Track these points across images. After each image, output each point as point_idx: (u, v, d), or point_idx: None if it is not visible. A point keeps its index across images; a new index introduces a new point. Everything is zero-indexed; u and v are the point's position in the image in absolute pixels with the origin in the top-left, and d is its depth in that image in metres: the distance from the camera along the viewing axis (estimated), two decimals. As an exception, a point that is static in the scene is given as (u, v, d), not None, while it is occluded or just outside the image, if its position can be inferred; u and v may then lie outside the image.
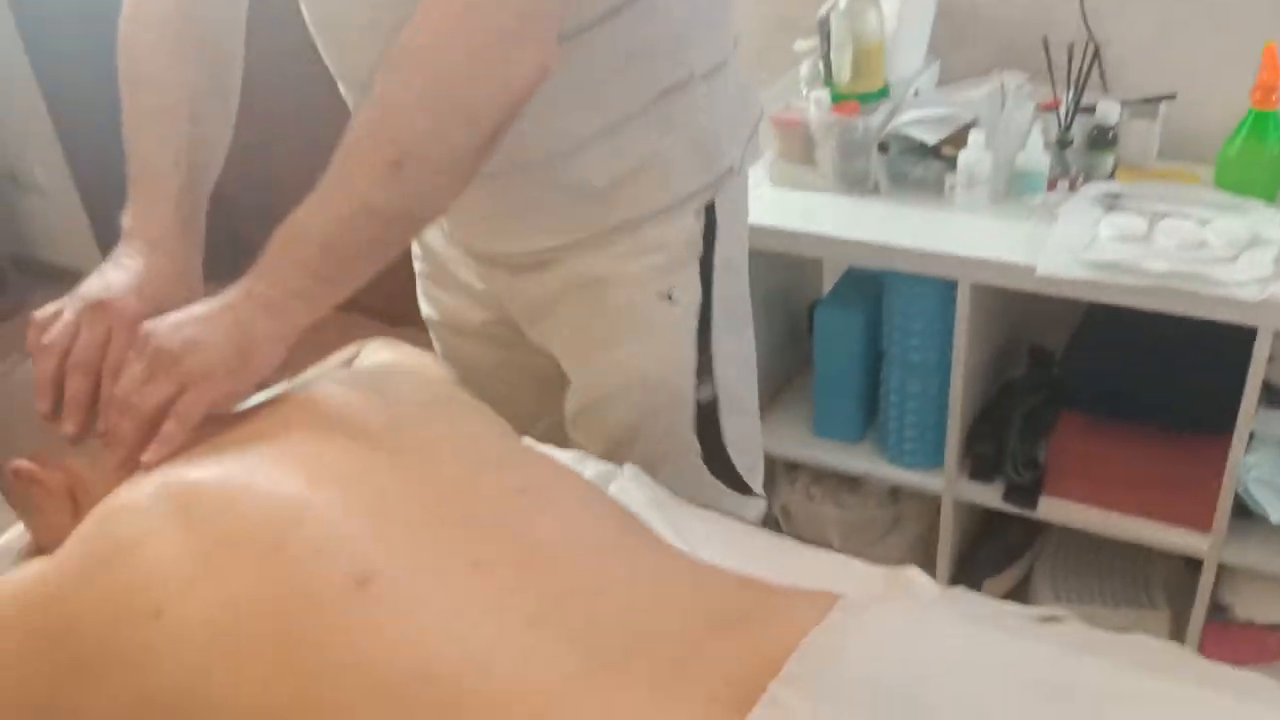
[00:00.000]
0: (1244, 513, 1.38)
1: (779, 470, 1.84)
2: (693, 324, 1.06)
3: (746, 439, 1.16)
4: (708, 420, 1.11)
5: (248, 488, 0.75)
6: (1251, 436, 1.32)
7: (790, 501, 1.80)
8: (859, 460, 1.68)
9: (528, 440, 0.95)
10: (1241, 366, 1.43)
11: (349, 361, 1.09)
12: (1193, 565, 1.68)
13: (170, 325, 0.81)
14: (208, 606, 0.68)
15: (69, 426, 0.84)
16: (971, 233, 1.47)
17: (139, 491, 0.76)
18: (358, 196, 0.79)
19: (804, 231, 1.54)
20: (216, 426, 0.85)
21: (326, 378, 0.93)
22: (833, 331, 1.64)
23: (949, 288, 1.47)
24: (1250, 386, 1.28)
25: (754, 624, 0.69)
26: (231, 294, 0.81)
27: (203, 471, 0.76)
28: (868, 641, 0.66)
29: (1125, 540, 1.53)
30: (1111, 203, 1.48)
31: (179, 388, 0.80)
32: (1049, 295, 1.39)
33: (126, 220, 0.91)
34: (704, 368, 1.08)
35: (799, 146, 1.64)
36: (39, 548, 0.88)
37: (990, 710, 0.61)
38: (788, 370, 1.86)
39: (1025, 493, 1.52)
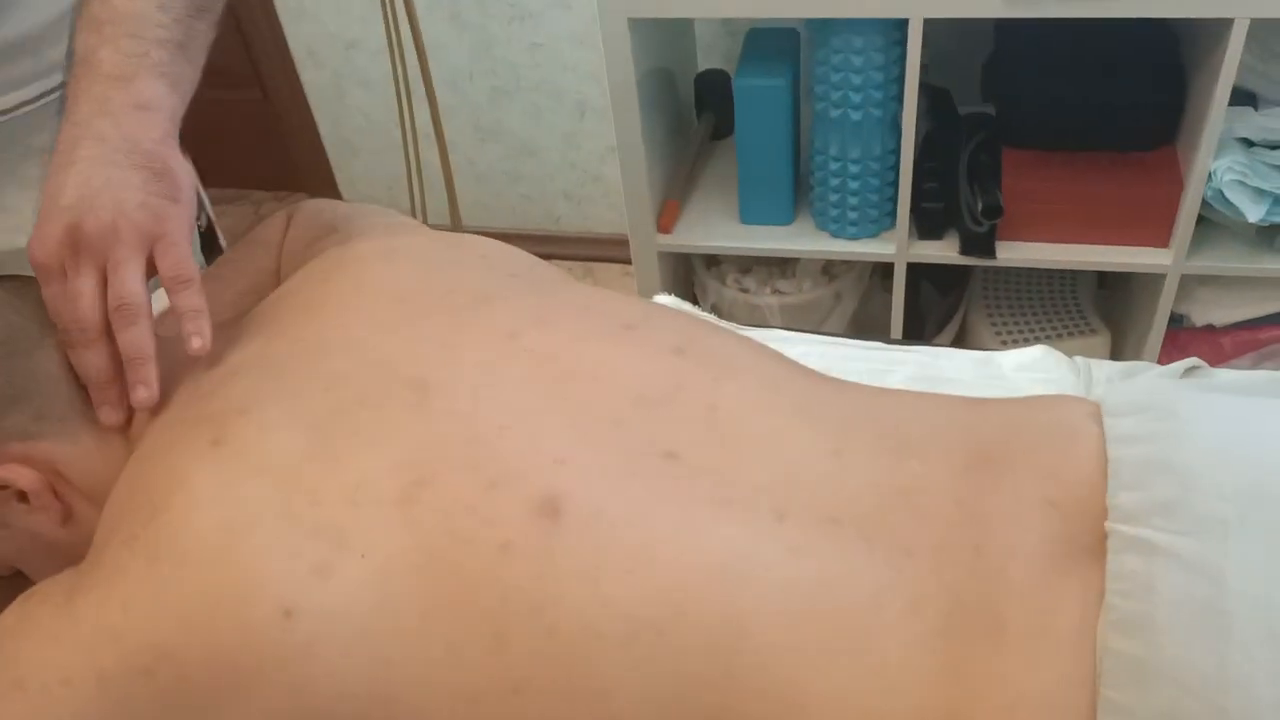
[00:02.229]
0: (1200, 221, 1.36)
1: (698, 266, 1.70)
2: None
3: None
4: None
5: (339, 421, 0.54)
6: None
7: (721, 298, 1.66)
8: (795, 240, 1.55)
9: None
10: (1177, 71, 1.39)
11: (278, 239, 0.83)
12: (1112, 282, 1.70)
13: (66, 211, 0.60)
14: (349, 586, 0.50)
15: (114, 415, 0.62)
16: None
17: (183, 458, 0.53)
18: None
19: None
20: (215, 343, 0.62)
21: (327, 252, 0.69)
22: (755, 104, 1.46)
23: (893, 27, 1.32)
24: (1221, 87, 1.23)
25: (1024, 456, 0.57)
26: (77, 123, 0.62)
27: (265, 412, 0.55)
28: (1179, 447, 0.55)
29: (1083, 269, 1.50)
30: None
31: (143, 253, 0.61)
32: (979, 27, 1.27)
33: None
34: None
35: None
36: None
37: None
38: (690, 157, 1.68)
39: (983, 242, 1.45)
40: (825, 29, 1.36)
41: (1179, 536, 0.50)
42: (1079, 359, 0.88)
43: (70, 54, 0.64)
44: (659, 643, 0.50)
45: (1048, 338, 1.64)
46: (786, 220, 1.57)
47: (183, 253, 0.61)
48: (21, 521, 0.61)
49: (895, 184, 1.45)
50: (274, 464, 0.54)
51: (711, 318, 0.95)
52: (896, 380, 0.87)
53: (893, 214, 1.48)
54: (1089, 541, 0.52)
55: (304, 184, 2.24)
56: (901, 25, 1.30)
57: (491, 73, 1.96)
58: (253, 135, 2.22)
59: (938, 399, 0.65)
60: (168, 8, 0.64)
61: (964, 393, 0.69)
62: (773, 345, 0.91)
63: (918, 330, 1.69)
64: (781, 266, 1.66)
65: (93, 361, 0.60)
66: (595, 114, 1.96)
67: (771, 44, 1.49)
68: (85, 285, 0.59)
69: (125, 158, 0.61)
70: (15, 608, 0.55)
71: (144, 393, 0.60)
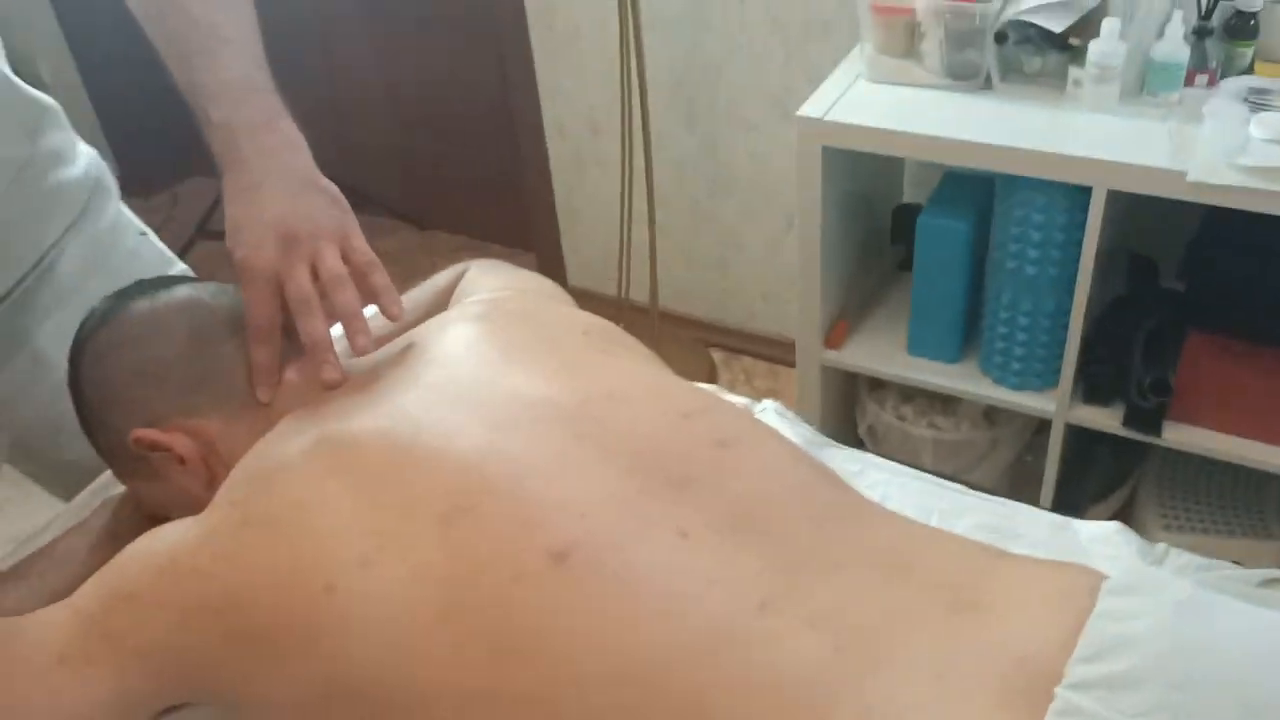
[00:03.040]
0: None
1: (863, 386, 1.74)
2: None
3: None
4: None
5: (418, 442, 0.66)
6: None
7: (878, 422, 1.69)
8: (958, 380, 1.57)
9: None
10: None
11: (451, 287, 0.97)
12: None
13: (272, 225, 0.76)
14: (384, 581, 0.60)
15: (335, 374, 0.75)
16: (1103, 133, 1.33)
17: (293, 447, 0.67)
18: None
19: (911, 132, 1.39)
20: (360, 368, 0.76)
21: (464, 311, 0.81)
22: (935, 242, 1.50)
23: (1076, 194, 1.33)
24: None
25: (1008, 606, 0.60)
26: (250, 170, 0.77)
27: (363, 422, 0.67)
28: (1156, 635, 0.56)
29: (1253, 467, 1.43)
30: (1258, 100, 1.33)
31: (339, 246, 0.77)
32: (1191, 203, 1.25)
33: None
34: None
35: (901, 37, 1.48)
36: (151, 518, 0.78)
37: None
38: (874, 282, 1.73)
39: (1149, 418, 1.41)
40: (1012, 184, 1.39)
41: (1119, 715, 0.52)
42: (1161, 545, 0.87)
43: (206, 121, 0.79)
44: (635, 695, 0.56)
45: (1217, 533, 1.56)
46: (952, 358, 1.59)
47: (366, 244, 0.78)
48: (176, 479, 0.76)
49: (1064, 343, 1.44)
50: (357, 469, 0.65)
51: (806, 431, 1.00)
52: (964, 526, 0.89)
53: (1058, 371, 1.47)
54: (1040, 700, 0.55)
55: (534, 244, 2.44)
56: (1086, 192, 1.31)
57: (713, 170, 2.09)
58: (498, 193, 2.46)
59: (962, 543, 0.68)
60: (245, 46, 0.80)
61: (1028, 552, 0.71)
62: (855, 468, 0.96)
63: (1074, 495, 1.64)
64: (945, 403, 1.67)
65: (314, 328, 0.74)
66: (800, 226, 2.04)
67: (965, 188, 1.53)
68: (302, 272, 0.75)
69: (300, 186, 0.77)
70: (145, 537, 0.69)
71: (362, 340, 0.74)
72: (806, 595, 0.60)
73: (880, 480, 0.96)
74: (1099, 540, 0.88)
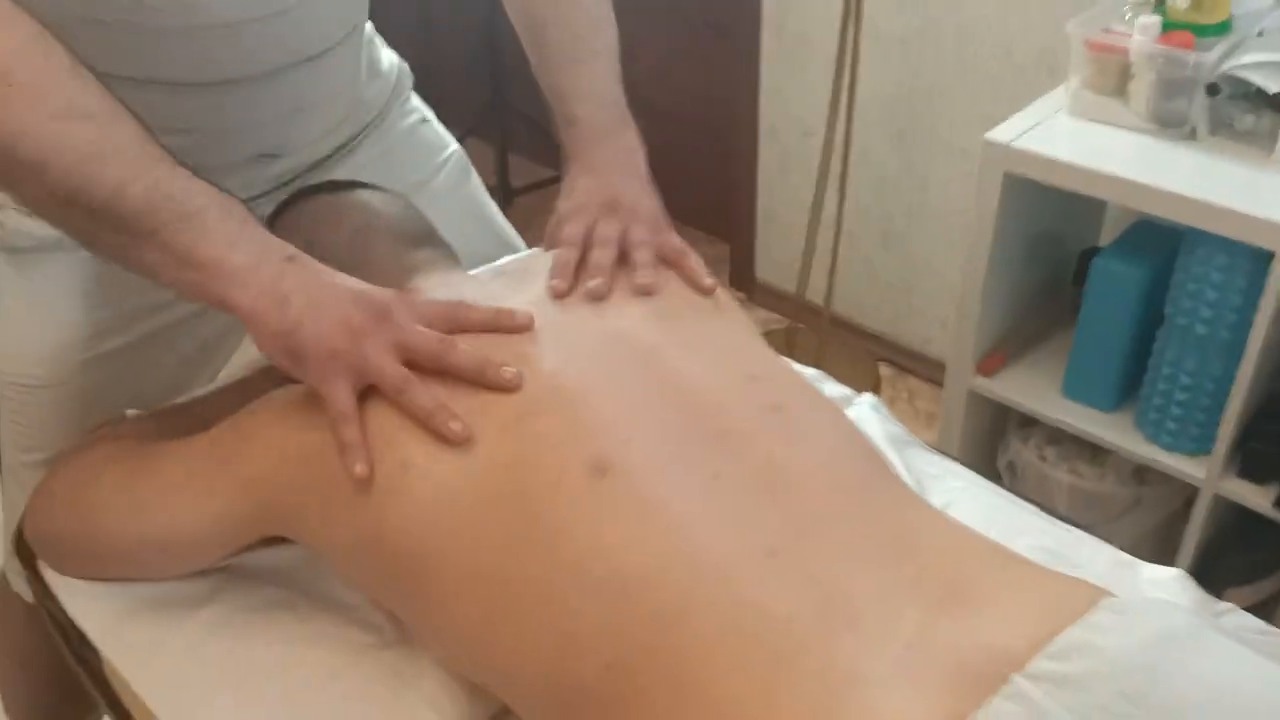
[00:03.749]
0: None
1: (1011, 420, 1.72)
2: None
3: None
4: None
5: (507, 345, 0.74)
6: None
7: (1019, 458, 1.68)
8: (1110, 430, 1.54)
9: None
10: None
11: None
12: None
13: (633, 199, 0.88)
14: (445, 468, 0.69)
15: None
16: (1302, 200, 1.28)
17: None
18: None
19: (1099, 170, 1.38)
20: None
21: None
22: (1109, 286, 1.48)
23: (1261, 259, 1.29)
24: None
25: (1003, 603, 0.63)
26: (594, 157, 0.90)
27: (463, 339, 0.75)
28: (1128, 649, 0.59)
29: None
30: None
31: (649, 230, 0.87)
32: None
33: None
34: None
35: (1112, 76, 1.47)
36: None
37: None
38: (1045, 319, 1.71)
39: (1302, 503, 1.35)
40: (1197, 239, 1.36)
41: (1065, 711, 0.55)
42: (1225, 604, 0.86)
43: (569, 119, 0.91)
44: (622, 599, 0.63)
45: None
46: (1107, 407, 1.56)
47: (679, 239, 0.87)
48: None
49: (1224, 409, 1.39)
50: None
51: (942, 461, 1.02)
52: (1022, 545, 0.89)
53: (1214, 438, 1.42)
54: (993, 685, 0.57)
55: (730, 235, 2.53)
56: (1269, 258, 1.27)
57: (913, 190, 2.11)
58: (703, 181, 2.56)
59: (979, 540, 0.71)
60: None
61: None
62: (934, 470, 0.98)
63: (1215, 573, 1.57)
64: (1093, 451, 1.63)
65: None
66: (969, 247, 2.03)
67: (1151, 236, 1.50)
68: (612, 227, 0.85)
69: (634, 179, 0.90)
70: (277, 390, 0.79)
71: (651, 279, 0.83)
72: (812, 554, 0.64)
73: (955, 487, 0.97)
74: (1158, 585, 0.86)
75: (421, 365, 0.72)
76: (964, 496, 0.96)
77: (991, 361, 1.63)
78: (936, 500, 0.93)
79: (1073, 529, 0.95)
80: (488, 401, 0.71)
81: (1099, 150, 1.42)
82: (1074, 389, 1.58)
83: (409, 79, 1.17)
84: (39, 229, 0.88)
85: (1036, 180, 1.45)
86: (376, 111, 1.11)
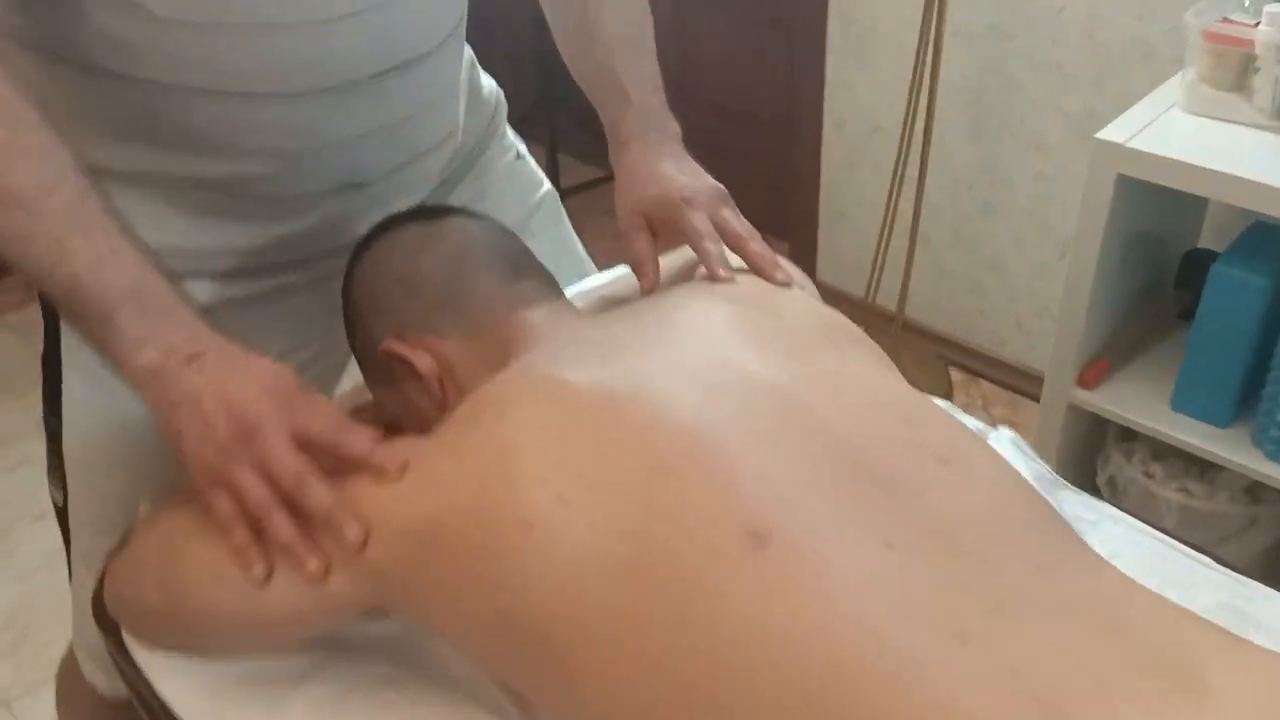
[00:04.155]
0: None
1: (1112, 434, 1.63)
2: None
3: None
4: None
5: (636, 400, 0.65)
6: None
7: (1121, 474, 1.58)
8: (1224, 446, 1.44)
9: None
10: None
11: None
12: None
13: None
14: (579, 525, 0.60)
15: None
16: None
17: (514, 388, 0.68)
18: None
19: (1223, 172, 1.28)
20: (587, 324, 0.78)
21: (712, 288, 0.81)
22: (1228, 293, 1.39)
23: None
24: None
25: (1232, 693, 0.55)
26: (653, 151, 0.89)
27: (589, 373, 0.67)
28: None
29: None
30: None
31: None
32: None
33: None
34: None
35: (1232, 70, 1.37)
36: (388, 426, 0.83)
37: None
38: (1146, 326, 1.62)
39: None
40: (1331, 243, 1.26)
41: None
42: None
43: (623, 107, 0.89)
44: (793, 699, 0.54)
45: None
46: (1222, 422, 1.46)
47: (743, 219, 0.88)
48: (412, 394, 0.79)
49: (1358, 428, 1.30)
50: (571, 416, 0.65)
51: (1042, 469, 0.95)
52: (1201, 604, 0.81)
53: (1344, 458, 1.32)
54: None
55: (789, 233, 2.44)
56: None
57: (989, 187, 2.01)
58: (764, 176, 2.47)
59: (1191, 616, 0.62)
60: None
61: (1265, 643, 0.62)
62: (1090, 516, 0.90)
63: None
64: (1201, 468, 1.54)
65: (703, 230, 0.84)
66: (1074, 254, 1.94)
67: (1271, 242, 1.40)
68: (702, 221, 0.84)
69: (688, 167, 0.90)
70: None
71: (780, 275, 0.85)
72: (1011, 637, 0.56)
73: (1115, 534, 0.89)
74: None
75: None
76: (1126, 546, 0.87)
77: (1094, 372, 1.54)
78: (1099, 552, 0.84)
79: (1247, 581, 0.87)
80: (620, 451, 0.62)
81: (1219, 150, 1.33)
82: (1185, 402, 1.48)
83: (505, 108, 1.09)
84: None
85: (1151, 183, 1.36)
86: (475, 141, 1.03)
